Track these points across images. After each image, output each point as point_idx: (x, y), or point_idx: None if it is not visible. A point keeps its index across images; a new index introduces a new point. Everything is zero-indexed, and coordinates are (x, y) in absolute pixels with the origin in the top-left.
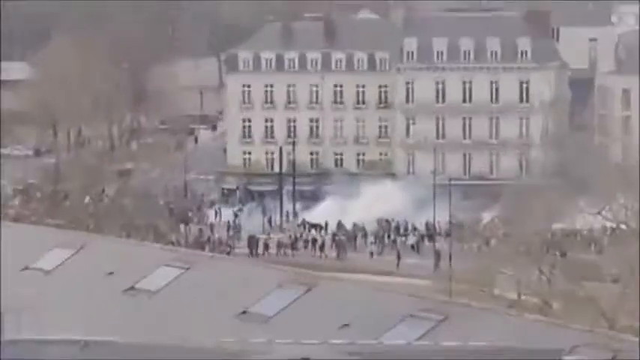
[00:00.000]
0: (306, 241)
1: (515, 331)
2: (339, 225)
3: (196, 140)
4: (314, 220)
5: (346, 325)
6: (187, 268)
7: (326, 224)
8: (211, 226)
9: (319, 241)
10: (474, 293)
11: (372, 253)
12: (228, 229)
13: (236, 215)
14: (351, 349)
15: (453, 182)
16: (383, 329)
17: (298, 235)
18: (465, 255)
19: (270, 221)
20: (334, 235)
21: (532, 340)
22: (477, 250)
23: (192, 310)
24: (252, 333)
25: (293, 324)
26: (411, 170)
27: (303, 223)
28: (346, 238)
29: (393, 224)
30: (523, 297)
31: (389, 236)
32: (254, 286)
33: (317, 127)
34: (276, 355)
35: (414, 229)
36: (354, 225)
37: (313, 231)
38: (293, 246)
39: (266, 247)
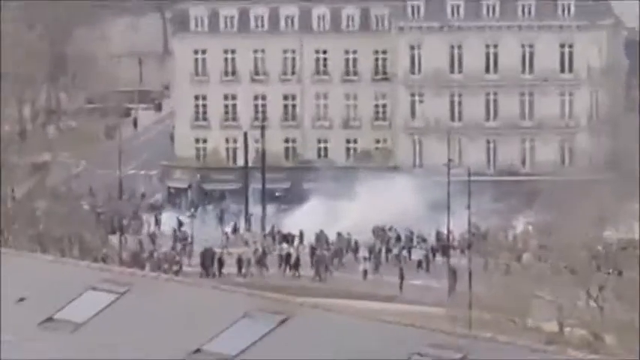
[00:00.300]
0: (281, 257)
1: None
2: (319, 236)
3: (135, 124)
4: (288, 229)
5: None
6: (123, 293)
7: (301, 234)
8: (154, 237)
9: (293, 257)
10: (502, 324)
11: (365, 272)
12: (176, 241)
13: (181, 224)
14: None
15: (473, 178)
16: None
17: (267, 249)
18: (490, 274)
19: (234, 230)
20: (313, 248)
21: None
22: (506, 268)
23: (128, 348)
24: None
25: None
26: (417, 162)
27: (273, 232)
28: (331, 253)
29: (394, 234)
30: (566, 329)
31: (388, 250)
32: (211, 315)
33: (293, 107)
34: None
35: (422, 240)
36: (339, 235)
37: (285, 244)
38: (260, 263)
39: (221, 264)
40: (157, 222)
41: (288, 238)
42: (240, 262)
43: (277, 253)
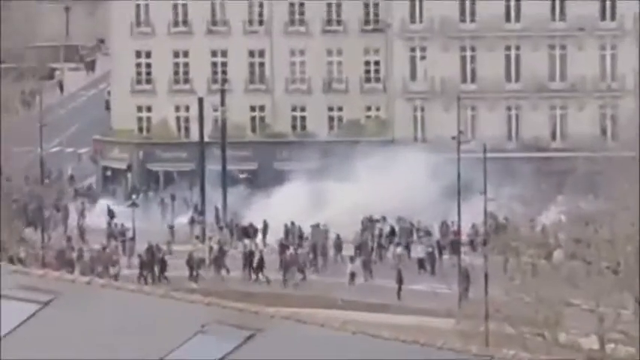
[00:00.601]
0: (245, 256)
1: None
2: (290, 229)
3: (61, 88)
4: (253, 221)
5: None
6: (46, 303)
7: (265, 227)
8: (84, 232)
9: (256, 256)
10: (527, 340)
11: (352, 275)
12: (112, 237)
13: (113, 215)
14: None
15: (490, 155)
16: None
17: (226, 246)
18: (511, 276)
19: (192, 222)
20: (283, 246)
21: None
22: (531, 269)
23: None
24: None
25: None
26: (419, 136)
27: (231, 225)
28: (306, 252)
29: (387, 226)
30: (609, 345)
31: (381, 246)
32: (159, 331)
33: (261, 66)
34: None
35: (426, 233)
36: (316, 229)
37: (247, 240)
38: (217, 263)
39: (163, 265)
40: (88, 212)
41: (250, 233)
42: (191, 262)
43: (242, 252)
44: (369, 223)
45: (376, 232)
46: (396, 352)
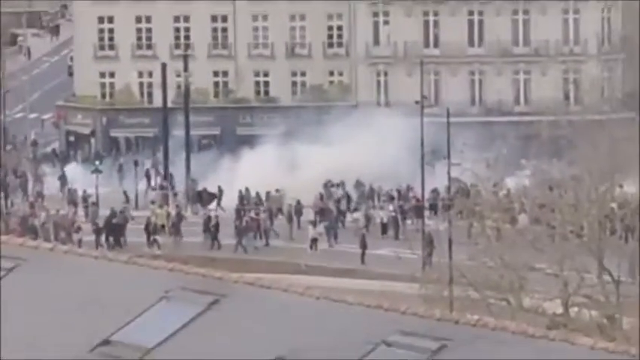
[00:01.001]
0: (205, 220)
1: None
2: (244, 195)
3: (28, 54)
4: (214, 187)
5: (280, 359)
6: (10, 269)
7: (220, 193)
8: (42, 198)
9: (212, 221)
10: (491, 305)
11: (314, 241)
12: (74, 203)
13: (66, 182)
14: None
15: (453, 120)
16: None
17: (183, 212)
18: (475, 241)
19: (152, 188)
20: (239, 211)
21: None
22: (495, 233)
23: (17, 341)
24: None
25: None
26: (381, 100)
27: (188, 190)
28: (267, 216)
29: (342, 191)
30: (573, 309)
31: (340, 211)
32: (123, 297)
33: (224, 30)
34: None
35: (389, 198)
36: (271, 194)
37: (206, 206)
38: (175, 230)
39: (118, 230)
40: (51, 178)
41: (205, 198)
42: (148, 228)
43: (203, 218)
44: (328, 188)
45: (335, 197)
46: (358, 317)
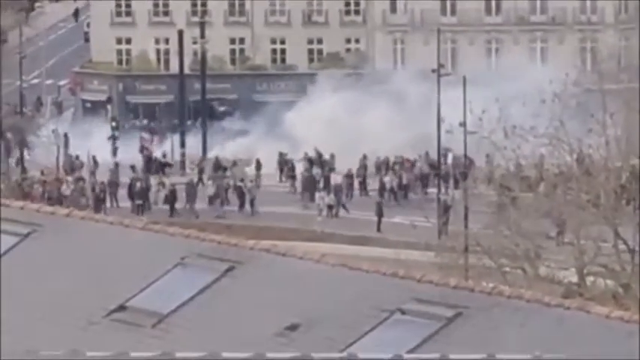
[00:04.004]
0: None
1: (576, 337)
2: (219, 160)
3: (76, 16)
4: (233, 154)
5: (295, 325)
6: (26, 235)
7: (217, 161)
8: (60, 163)
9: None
10: (507, 273)
11: (330, 208)
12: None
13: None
14: None
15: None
16: (350, 333)
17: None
18: (493, 210)
19: (164, 154)
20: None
21: (604, 353)
22: (511, 202)
23: (31, 305)
24: (135, 340)
25: (205, 329)
26: (399, 68)
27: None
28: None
29: (368, 160)
30: (589, 278)
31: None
32: (139, 262)
33: None
34: None
35: (411, 164)
36: (283, 158)
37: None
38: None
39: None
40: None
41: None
42: (170, 195)
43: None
44: (316, 157)
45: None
46: (374, 284)
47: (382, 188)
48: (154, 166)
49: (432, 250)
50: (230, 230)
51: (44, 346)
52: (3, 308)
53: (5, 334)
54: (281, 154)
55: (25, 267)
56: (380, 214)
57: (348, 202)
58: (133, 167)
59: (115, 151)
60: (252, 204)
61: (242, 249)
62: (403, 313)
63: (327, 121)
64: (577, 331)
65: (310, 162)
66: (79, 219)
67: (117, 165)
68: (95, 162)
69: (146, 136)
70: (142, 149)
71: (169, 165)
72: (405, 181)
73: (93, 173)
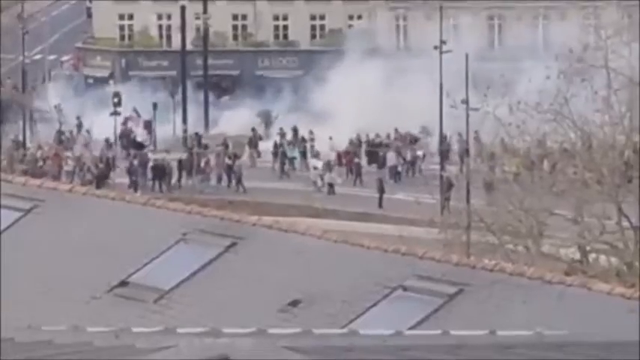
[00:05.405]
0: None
1: (578, 314)
2: (198, 136)
3: None
4: (235, 129)
5: (296, 301)
6: (29, 210)
7: (198, 137)
8: (63, 138)
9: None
10: (509, 250)
11: (330, 186)
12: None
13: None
14: (308, 343)
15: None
16: (352, 310)
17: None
18: (495, 187)
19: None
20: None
21: (606, 329)
22: (514, 179)
23: (36, 279)
24: (137, 316)
25: (207, 305)
26: (401, 45)
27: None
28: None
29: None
30: (592, 255)
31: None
32: (141, 237)
33: None
34: (185, 353)
35: (413, 140)
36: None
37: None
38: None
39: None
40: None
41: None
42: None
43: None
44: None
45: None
46: (376, 261)
47: (383, 164)
48: (129, 142)
49: (434, 226)
50: (232, 206)
51: (46, 321)
52: (5, 283)
53: (7, 310)
54: (254, 130)
55: (28, 242)
56: (381, 191)
57: (351, 180)
58: (107, 140)
59: (117, 128)
60: (239, 180)
61: (244, 225)
62: (405, 289)
63: (358, 97)
64: (578, 308)
65: (282, 136)
66: (81, 195)
67: (116, 140)
68: (90, 135)
69: (134, 114)
70: (125, 122)
71: (144, 146)
72: (408, 158)
73: (86, 146)
